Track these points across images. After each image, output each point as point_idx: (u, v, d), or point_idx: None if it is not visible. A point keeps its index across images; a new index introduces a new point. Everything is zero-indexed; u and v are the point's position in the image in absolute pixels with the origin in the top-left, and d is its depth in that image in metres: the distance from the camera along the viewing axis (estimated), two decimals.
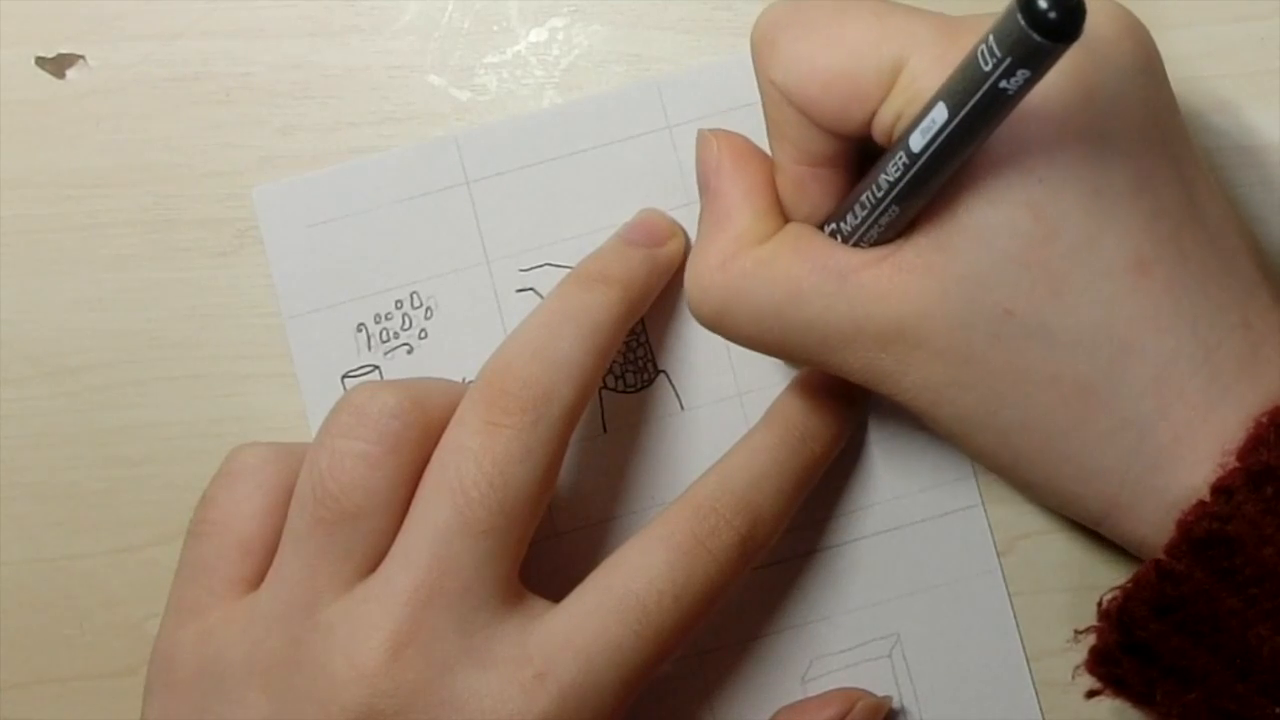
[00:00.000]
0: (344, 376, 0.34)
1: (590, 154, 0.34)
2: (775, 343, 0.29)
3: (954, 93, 0.23)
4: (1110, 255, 0.26)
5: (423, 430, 0.28)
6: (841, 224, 0.28)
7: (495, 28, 0.35)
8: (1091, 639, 0.27)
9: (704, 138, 0.31)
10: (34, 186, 0.35)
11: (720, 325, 0.29)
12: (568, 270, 0.32)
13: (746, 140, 0.31)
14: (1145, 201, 0.26)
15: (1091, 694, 0.28)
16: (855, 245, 0.28)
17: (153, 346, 0.34)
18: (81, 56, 0.35)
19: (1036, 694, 0.33)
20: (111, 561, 0.34)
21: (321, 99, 0.34)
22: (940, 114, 0.24)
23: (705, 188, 0.30)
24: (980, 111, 0.23)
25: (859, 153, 0.29)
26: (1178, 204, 0.26)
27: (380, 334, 0.34)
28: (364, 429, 0.28)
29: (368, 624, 0.27)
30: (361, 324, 0.34)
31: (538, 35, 0.35)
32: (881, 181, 0.26)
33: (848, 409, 0.32)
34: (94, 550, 0.34)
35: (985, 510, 0.33)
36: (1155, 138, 0.26)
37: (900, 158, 0.25)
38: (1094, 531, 0.33)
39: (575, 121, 0.34)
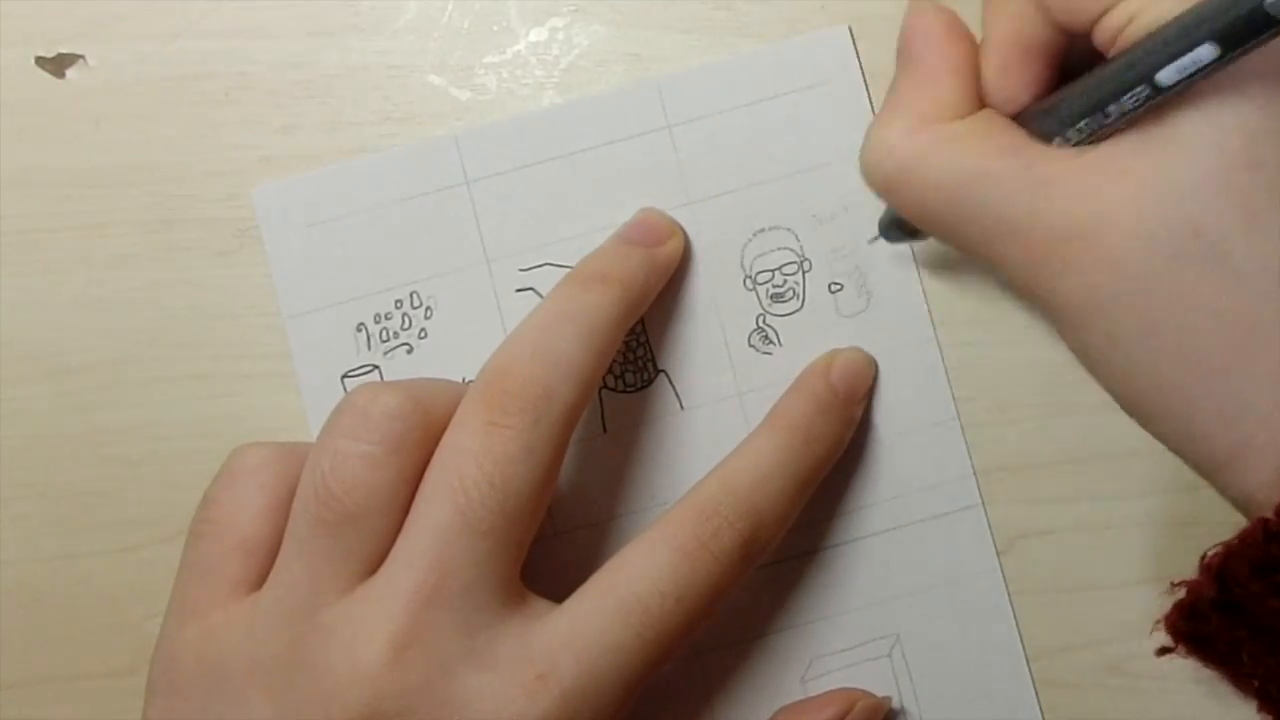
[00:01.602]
0: (344, 376, 0.34)
1: (590, 154, 0.34)
2: (944, 220, 0.28)
3: (1223, 27, 0.23)
4: None
5: (424, 431, 0.28)
6: (1042, 120, 0.28)
7: (495, 27, 0.35)
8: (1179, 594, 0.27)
9: (920, 3, 0.30)
10: (34, 186, 0.35)
11: (893, 190, 0.29)
12: (567, 270, 0.32)
13: (959, 17, 0.30)
14: None
15: (1163, 651, 0.27)
16: (1051, 143, 0.28)
17: (153, 346, 0.34)
18: (81, 56, 0.35)
19: (1036, 694, 0.33)
20: (111, 561, 0.34)
21: (321, 99, 0.34)
22: (1206, 52, 0.24)
23: (908, 53, 0.29)
24: (1248, 48, 0.23)
25: (1067, 51, 0.28)
26: None
27: (380, 334, 0.34)
28: (366, 430, 0.28)
29: (369, 625, 0.27)
30: (361, 324, 0.34)
31: (537, 35, 0.35)
32: (1110, 107, 0.26)
33: (850, 410, 0.32)
34: (94, 550, 0.34)
35: (985, 510, 0.33)
36: None
37: (1142, 90, 0.25)
38: (1094, 532, 0.33)
39: (575, 121, 0.34)
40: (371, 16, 0.35)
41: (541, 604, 0.29)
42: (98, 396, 0.34)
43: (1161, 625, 0.27)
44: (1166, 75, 0.25)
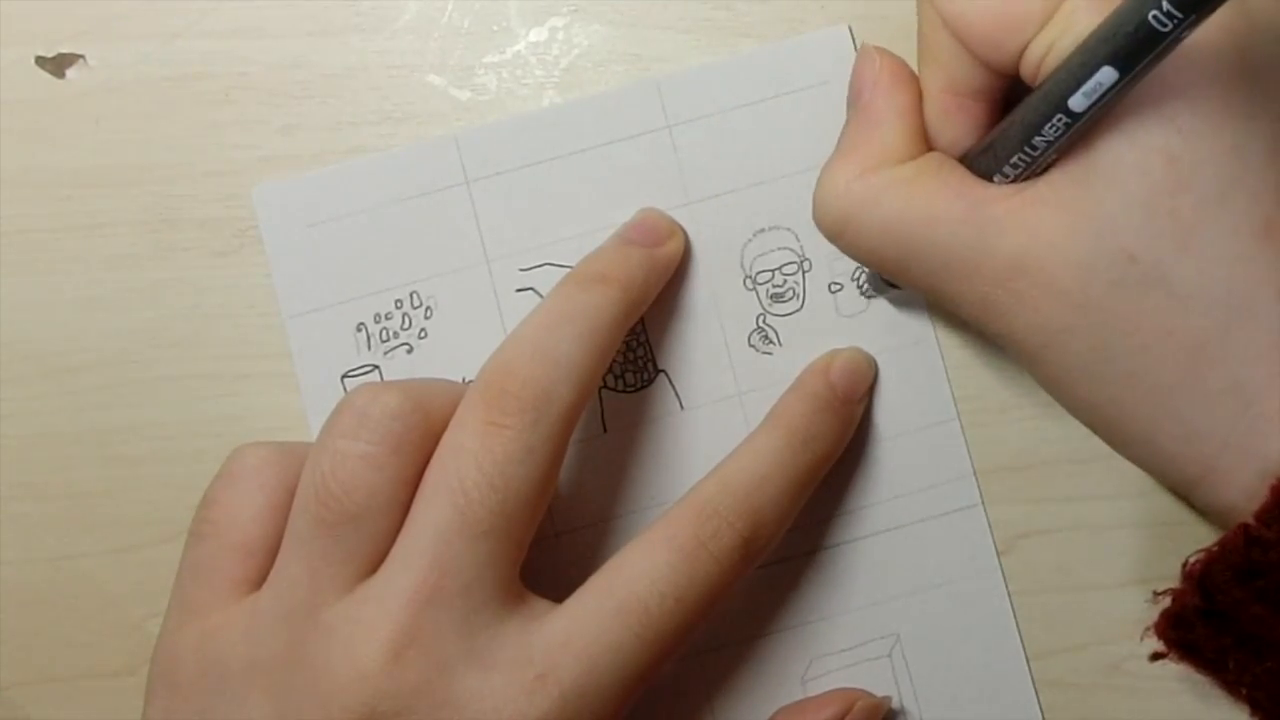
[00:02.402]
0: (344, 376, 0.34)
1: (590, 153, 0.34)
2: (894, 260, 0.29)
3: (1118, 49, 0.24)
4: (1240, 214, 0.26)
5: (424, 431, 0.28)
6: (980, 159, 0.28)
7: (495, 27, 0.35)
8: (1165, 602, 0.27)
9: (866, 51, 0.31)
10: (34, 186, 0.35)
11: (842, 234, 0.29)
12: (567, 270, 0.32)
13: (906, 63, 0.31)
14: (1279, 167, 0.26)
15: (1156, 656, 0.28)
16: (992, 180, 0.28)
17: (153, 346, 0.34)
18: (81, 56, 0.35)
19: (1036, 694, 0.33)
20: (111, 561, 0.34)
21: (321, 99, 0.34)
22: (1108, 76, 0.24)
23: (857, 100, 0.30)
24: (1145, 65, 0.23)
25: (1006, 90, 0.29)
26: None
27: (380, 334, 0.34)
28: (366, 430, 0.28)
29: (369, 625, 0.27)
30: (361, 324, 0.34)
31: (537, 35, 0.35)
32: (1034, 140, 0.26)
33: (849, 410, 0.32)
34: (94, 550, 0.34)
35: (985, 510, 0.33)
36: None
37: (1059, 119, 0.25)
38: (1094, 532, 0.33)
39: (575, 121, 0.34)
40: (371, 16, 0.35)
41: (541, 604, 0.29)
42: (98, 396, 0.34)
43: (1152, 632, 0.27)
44: (1076, 102, 0.25)
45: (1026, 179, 0.27)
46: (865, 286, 0.34)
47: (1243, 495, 0.26)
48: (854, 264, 0.34)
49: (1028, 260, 0.27)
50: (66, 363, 0.34)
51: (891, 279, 0.32)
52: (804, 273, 0.34)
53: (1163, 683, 0.33)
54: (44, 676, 0.34)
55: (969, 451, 0.33)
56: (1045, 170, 0.27)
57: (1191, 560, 0.27)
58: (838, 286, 0.34)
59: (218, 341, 0.34)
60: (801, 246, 0.34)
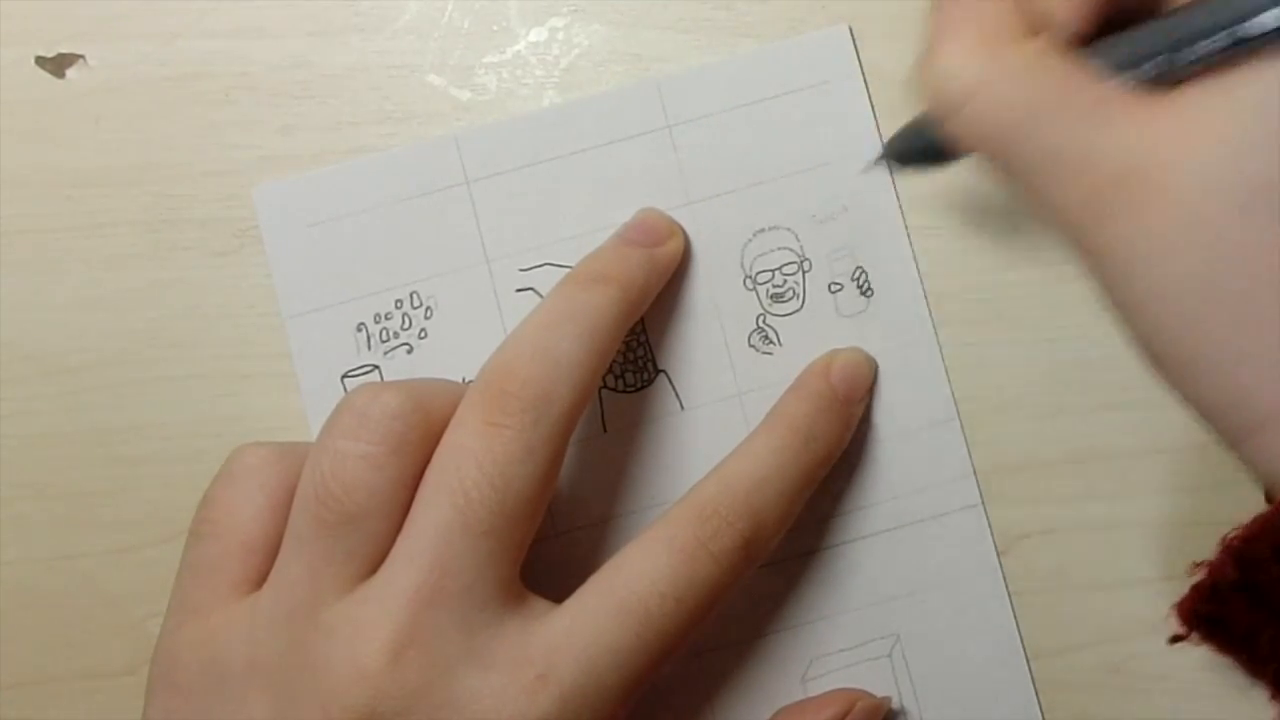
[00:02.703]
0: (344, 376, 0.34)
1: (590, 154, 0.34)
2: (1001, 147, 0.27)
3: None
4: None
5: (424, 431, 0.28)
6: (1111, 52, 0.27)
7: (495, 27, 0.35)
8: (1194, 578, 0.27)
9: None
10: (34, 186, 0.35)
11: (954, 111, 0.28)
12: (567, 270, 0.32)
13: None
14: None
15: (1175, 639, 0.27)
16: (1118, 77, 0.27)
17: (153, 346, 0.34)
18: (81, 56, 0.35)
19: (1036, 694, 0.33)
20: (111, 561, 0.34)
21: (321, 99, 0.34)
22: None
23: None
24: None
25: None
26: None
27: (380, 334, 0.34)
28: (366, 430, 0.28)
29: (369, 625, 0.27)
30: (361, 324, 0.34)
31: (537, 35, 0.35)
32: (1188, 51, 0.25)
33: (849, 410, 0.32)
34: (94, 550, 0.34)
35: (985, 510, 0.33)
36: None
37: (1227, 35, 0.24)
38: (1094, 532, 0.33)
39: (575, 121, 0.34)
40: (371, 16, 0.35)
41: (541, 604, 0.29)
42: (98, 396, 0.34)
43: (1174, 612, 0.27)
44: (1260, 24, 0.24)
45: (1160, 86, 0.26)
46: (903, 154, 0.31)
47: None
48: (854, 264, 0.34)
49: (1149, 167, 0.25)
50: (66, 363, 0.34)
51: (992, 167, 0.29)
52: (804, 273, 0.34)
53: (1162, 683, 0.33)
54: (44, 676, 0.34)
55: (969, 451, 0.33)
56: (1178, 84, 0.26)
57: (1231, 535, 0.26)
58: (838, 286, 0.34)
59: (218, 341, 0.34)
60: (801, 246, 0.34)
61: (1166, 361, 0.27)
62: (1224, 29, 0.24)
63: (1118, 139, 0.26)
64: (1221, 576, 0.26)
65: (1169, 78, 0.26)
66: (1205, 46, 0.25)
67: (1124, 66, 0.26)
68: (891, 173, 0.33)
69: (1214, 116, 0.25)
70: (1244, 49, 0.24)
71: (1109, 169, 0.26)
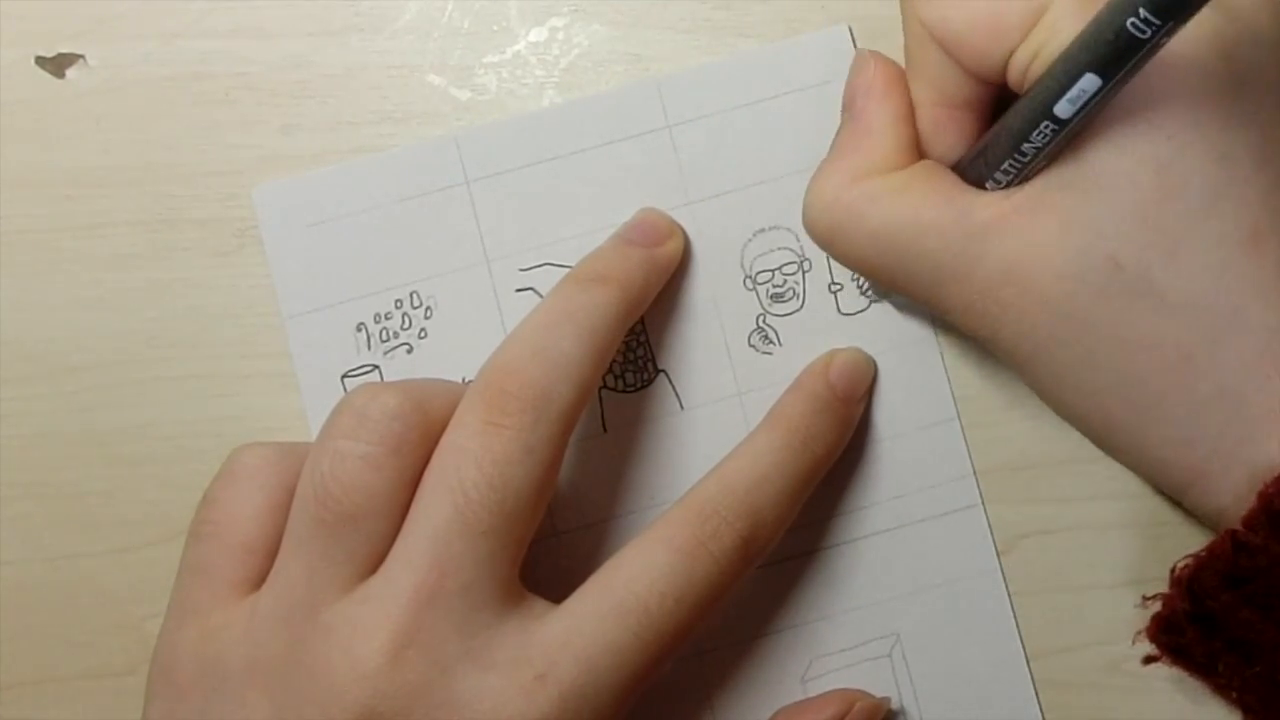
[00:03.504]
0: (344, 376, 0.34)
1: (590, 153, 0.34)
2: (885, 268, 0.29)
3: (1099, 55, 0.24)
4: (1228, 222, 0.26)
5: (423, 432, 0.28)
6: (972, 167, 0.28)
7: (495, 27, 0.35)
8: (1156, 606, 0.27)
9: (862, 57, 0.31)
10: (34, 186, 0.35)
11: (833, 241, 0.30)
12: (567, 270, 0.32)
13: (900, 69, 0.31)
14: (1268, 173, 0.26)
15: (1149, 660, 0.28)
16: (984, 188, 0.28)
17: (153, 346, 0.34)
18: (81, 56, 0.35)
19: (1036, 694, 0.33)
20: (111, 561, 0.34)
21: (321, 99, 0.34)
22: (1091, 83, 0.24)
23: (850, 106, 0.31)
24: (1127, 72, 0.23)
25: (995, 100, 0.29)
26: None
27: (380, 334, 0.34)
28: (365, 431, 0.28)
29: (368, 625, 0.27)
30: (361, 324, 0.34)
31: (537, 35, 0.35)
32: (1023, 146, 0.26)
33: (849, 410, 0.32)
34: (94, 550, 0.34)
35: (985, 510, 0.33)
36: None
37: (1046, 126, 0.25)
38: (1094, 532, 0.33)
39: (575, 121, 0.34)
40: (371, 16, 0.35)
41: (540, 604, 0.29)
42: (98, 396, 0.34)
43: (1144, 635, 0.27)
44: (1062, 109, 0.25)
45: (1017, 184, 0.27)
46: (867, 289, 0.34)
47: (1232, 499, 0.26)
48: None
49: (1016, 269, 0.27)
50: (66, 363, 0.34)
51: (883, 285, 0.32)
52: (804, 273, 0.34)
53: (1162, 683, 0.33)
54: (44, 676, 0.34)
55: (969, 451, 0.33)
56: (1033, 177, 0.27)
57: (1180, 566, 0.27)
58: (838, 286, 0.34)
59: (218, 341, 0.34)
60: (801, 246, 0.34)
61: (1088, 436, 0.29)
62: (1043, 120, 0.25)
63: (987, 246, 0.27)
64: (1175, 607, 0.26)
65: (1024, 174, 0.27)
66: (1036, 140, 0.26)
67: (986, 174, 0.28)
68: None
69: (1062, 205, 0.27)
70: (1070, 130, 0.25)
71: (985, 276, 0.27)
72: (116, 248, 0.35)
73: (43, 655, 0.34)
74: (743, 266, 0.34)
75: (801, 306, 0.34)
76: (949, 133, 0.29)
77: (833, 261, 0.34)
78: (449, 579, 0.27)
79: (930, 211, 0.28)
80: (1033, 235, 0.27)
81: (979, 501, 0.33)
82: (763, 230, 0.34)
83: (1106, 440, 0.28)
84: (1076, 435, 0.33)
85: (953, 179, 0.29)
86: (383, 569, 0.28)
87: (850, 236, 0.29)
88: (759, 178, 0.34)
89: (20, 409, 0.34)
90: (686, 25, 0.34)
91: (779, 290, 0.34)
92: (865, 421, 0.33)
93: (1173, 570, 0.27)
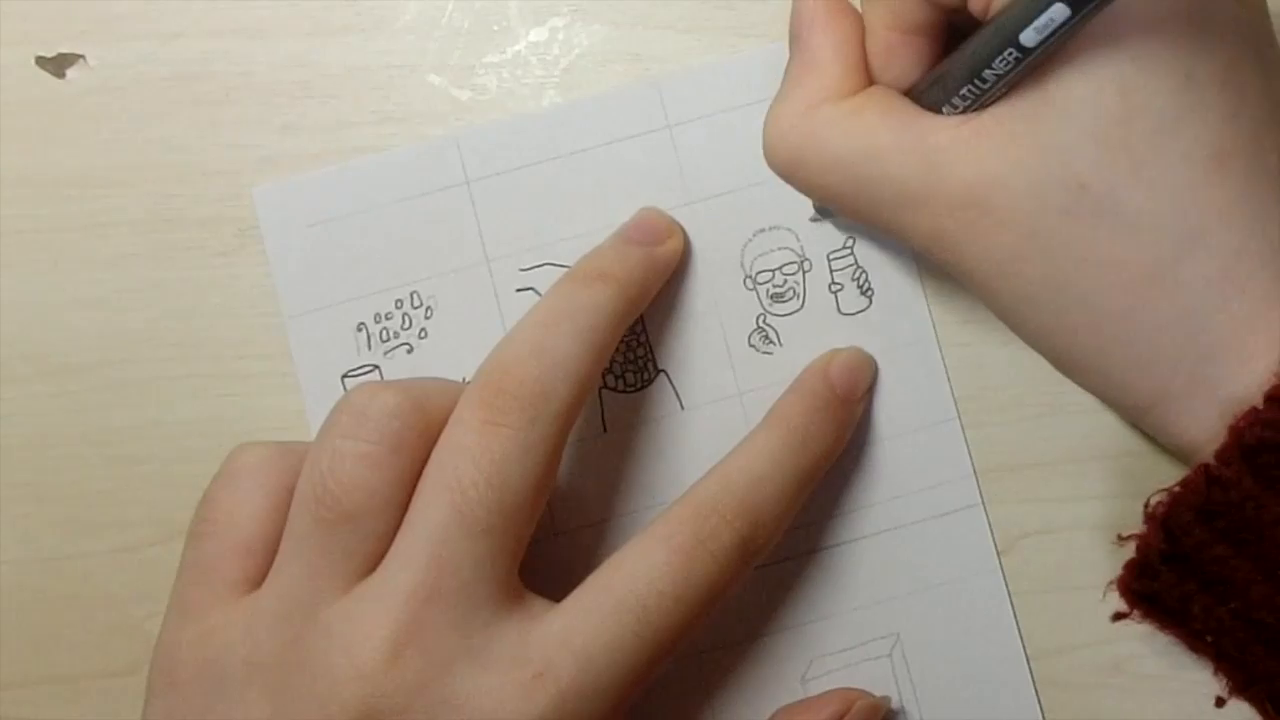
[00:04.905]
0: (344, 376, 0.34)
1: (590, 153, 0.34)
2: (846, 195, 0.29)
3: None
4: (1190, 142, 0.26)
5: (422, 430, 0.28)
6: (929, 93, 0.28)
7: (495, 27, 0.35)
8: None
9: None
10: (34, 186, 0.35)
11: (793, 172, 0.29)
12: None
13: None
14: (1230, 95, 0.26)
15: (1118, 616, 0.28)
16: (940, 113, 0.28)
17: (153, 346, 0.34)
18: (81, 56, 0.35)
19: (1036, 694, 0.33)
20: (112, 561, 0.34)
21: (321, 99, 0.34)
22: (1060, 13, 0.24)
23: (796, 38, 0.30)
24: (1097, 4, 0.23)
25: (948, 26, 0.29)
26: (1260, 103, 0.26)
27: (380, 333, 0.34)
28: (364, 429, 0.28)
29: (368, 623, 0.27)
30: (361, 323, 0.34)
31: (538, 35, 0.35)
32: (984, 73, 0.26)
33: (849, 410, 0.32)
34: (94, 550, 0.34)
35: (985, 510, 0.33)
36: (1246, 34, 0.26)
37: (1010, 54, 0.25)
38: (1094, 532, 0.33)
39: (575, 121, 0.34)
40: (371, 16, 0.35)
41: (539, 603, 0.29)
42: (98, 396, 0.34)
43: (1114, 587, 0.27)
44: (1028, 37, 0.25)
45: (974, 111, 0.27)
46: (822, 210, 0.33)
47: (1200, 429, 0.26)
48: (854, 264, 0.34)
49: (978, 189, 0.27)
50: (66, 363, 0.34)
51: (845, 214, 0.31)
52: (804, 273, 0.34)
53: (1163, 683, 0.33)
54: (44, 676, 0.34)
55: (969, 451, 0.33)
56: (994, 103, 0.27)
57: (1154, 501, 0.27)
58: (838, 286, 0.34)
59: (218, 341, 0.34)
60: (801, 246, 0.34)
61: (1052, 361, 0.29)
62: (1007, 47, 0.25)
63: (947, 169, 0.27)
64: (1150, 546, 0.26)
65: (984, 101, 0.27)
66: (999, 67, 0.26)
67: (943, 99, 0.28)
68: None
69: (1025, 129, 0.27)
70: (1034, 58, 0.25)
71: (946, 200, 0.27)
72: (116, 248, 0.35)
73: (43, 655, 0.34)
74: (743, 266, 0.34)
75: (802, 306, 0.34)
76: (902, 58, 0.29)
77: (833, 261, 0.34)
78: (448, 578, 0.27)
79: (887, 135, 0.28)
80: (996, 158, 0.27)
81: (979, 501, 0.33)
82: (763, 230, 0.34)
83: (1069, 362, 0.28)
84: (1076, 435, 0.33)
85: (906, 103, 0.29)
86: (382, 568, 0.28)
87: (809, 164, 0.29)
88: (759, 178, 0.34)
89: (20, 409, 0.34)
90: (686, 25, 0.34)
91: (779, 290, 0.34)
92: (865, 421, 0.33)
93: (1146, 505, 0.27)
